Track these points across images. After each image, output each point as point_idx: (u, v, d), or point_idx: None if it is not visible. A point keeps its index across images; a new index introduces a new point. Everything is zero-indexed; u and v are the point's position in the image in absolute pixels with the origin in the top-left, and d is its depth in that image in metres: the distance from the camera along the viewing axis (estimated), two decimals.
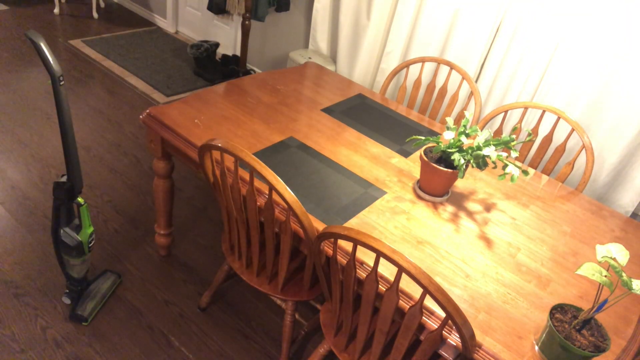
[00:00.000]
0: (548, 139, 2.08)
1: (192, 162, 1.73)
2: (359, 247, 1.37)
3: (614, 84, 2.21)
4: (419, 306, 1.12)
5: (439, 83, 2.79)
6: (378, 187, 1.66)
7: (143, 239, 2.31)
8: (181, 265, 2.22)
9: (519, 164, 1.87)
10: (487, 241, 1.53)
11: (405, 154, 1.88)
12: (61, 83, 1.49)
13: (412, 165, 1.83)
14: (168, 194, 2.00)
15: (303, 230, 1.31)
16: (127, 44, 4.13)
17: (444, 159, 1.62)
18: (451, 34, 2.63)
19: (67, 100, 1.52)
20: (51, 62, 1.45)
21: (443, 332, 1.21)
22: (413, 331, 1.19)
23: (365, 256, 1.35)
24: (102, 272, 2.06)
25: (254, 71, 3.97)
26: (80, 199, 1.72)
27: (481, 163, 1.55)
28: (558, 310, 1.20)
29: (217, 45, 3.80)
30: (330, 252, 1.35)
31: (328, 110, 2.06)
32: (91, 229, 1.77)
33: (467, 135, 1.58)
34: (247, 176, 1.55)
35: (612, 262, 1.10)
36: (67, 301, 1.91)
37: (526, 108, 2.10)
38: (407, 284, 1.29)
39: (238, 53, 4.03)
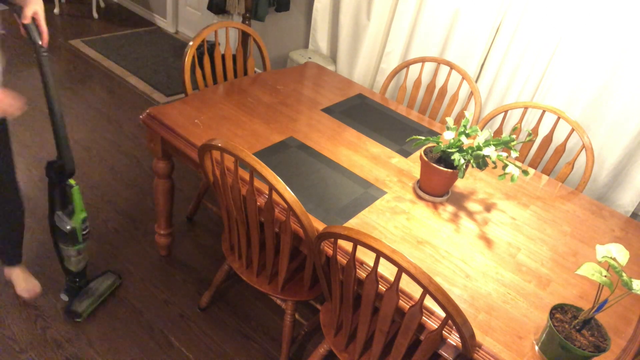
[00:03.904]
0: (548, 139, 2.08)
1: (192, 162, 1.73)
2: (359, 247, 1.37)
3: (614, 83, 2.21)
4: (419, 306, 1.12)
5: (439, 83, 2.79)
6: (378, 187, 1.66)
7: (143, 239, 2.31)
8: (181, 265, 2.22)
9: (519, 164, 1.87)
10: (487, 241, 1.53)
11: (405, 154, 1.88)
12: (44, 54, 1.45)
13: (412, 165, 1.83)
14: (168, 194, 2.00)
15: (303, 230, 1.31)
16: (127, 44, 4.13)
17: (444, 159, 1.62)
18: (451, 34, 2.63)
19: (52, 74, 1.50)
20: (33, 30, 1.43)
21: (443, 332, 1.21)
22: (413, 331, 1.19)
23: (365, 256, 1.35)
24: (103, 272, 2.06)
25: (254, 71, 3.97)
26: (72, 181, 1.68)
27: (481, 163, 1.55)
28: (558, 310, 1.20)
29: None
30: (330, 252, 1.35)
31: (328, 110, 2.06)
32: (84, 214, 1.74)
33: (467, 135, 1.58)
34: (247, 176, 1.55)
35: (612, 262, 1.10)
36: (65, 298, 1.91)
37: (526, 108, 2.10)
38: (407, 284, 1.29)
39: None
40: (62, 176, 1.66)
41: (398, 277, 1.11)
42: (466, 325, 1.08)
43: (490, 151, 1.50)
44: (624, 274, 1.07)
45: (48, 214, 1.72)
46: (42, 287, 1.99)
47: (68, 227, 1.70)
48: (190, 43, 2.02)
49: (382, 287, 1.29)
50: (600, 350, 1.12)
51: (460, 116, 2.43)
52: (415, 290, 1.28)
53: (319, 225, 1.44)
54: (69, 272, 1.85)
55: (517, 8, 2.37)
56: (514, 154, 1.54)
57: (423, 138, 1.59)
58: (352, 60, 3.09)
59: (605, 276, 1.09)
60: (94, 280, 2.00)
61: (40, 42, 1.45)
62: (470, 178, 1.83)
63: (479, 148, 1.53)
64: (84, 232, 1.78)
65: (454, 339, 1.22)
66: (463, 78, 2.26)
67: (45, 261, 2.10)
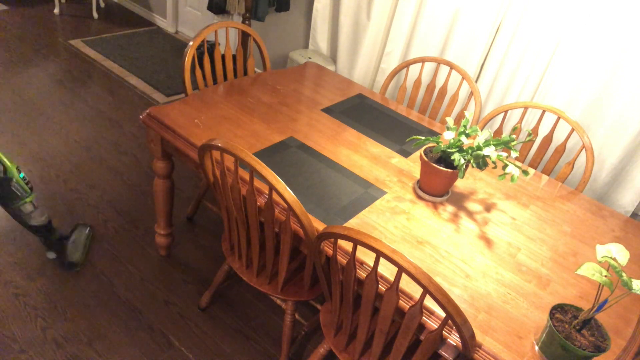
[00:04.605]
0: (548, 139, 2.08)
1: (192, 162, 1.73)
2: (359, 247, 1.37)
3: (614, 83, 2.21)
4: (419, 306, 1.12)
5: (439, 83, 2.79)
6: (378, 187, 1.66)
7: (143, 239, 2.31)
8: (181, 265, 2.22)
9: (519, 164, 1.87)
10: (487, 241, 1.53)
11: (405, 154, 1.88)
12: None
13: (412, 165, 1.83)
14: (168, 194, 2.00)
15: (303, 230, 1.31)
16: (127, 44, 4.13)
17: (444, 159, 1.62)
18: (451, 34, 2.63)
19: None
20: None
21: (443, 332, 1.21)
22: (413, 331, 1.19)
23: (365, 256, 1.35)
24: (74, 226, 2.16)
25: (254, 71, 3.97)
26: None
27: (481, 163, 1.55)
28: (558, 310, 1.20)
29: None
30: (330, 252, 1.35)
31: (328, 110, 2.06)
32: (15, 165, 1.79)
33: (467, 135, 1.58)
34: (247, 176, 1.55)
35: (612, 262, 1.10)
36: (52, 255, 2.03)
37: (526, 108, 2.10)
38: (407, 284, 1.29)
39: None
40: None
41: (398, 277, 1.11)
42: (466, 325, 1.08)
43: (490, 151, 1.50)
44: (624, 274, 1.07)
45: None
46: (42, 287, 1.99)
47: (10, 184, 1.76)
48: (190, 43, 2.02)
49: (382, 287, 1.29)
50: (600, 350, 1.12)
51: (460, 116, 2.43)
52: (415, 290, 1.28)
53: (319, 225, 1.44)
54: (37, 229, 1.92)
55: (517, 8, 2.37)
56: (514, 154, 1.54)
57: (423, 138, 1.59)
58: (352, 60, 3.09)
59: (605, 276, 1.09)
60: (70, 236, 2.09)
61: None
62: (470, 178, 1.83)
63: (479, 148, 1.53)
64: (27, 181, 1.83)
65: (454, 339, 1.22)
66: (463, 78, 2.26)
67: (45, 262, 2.10)
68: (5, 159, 1.76)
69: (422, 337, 1.27)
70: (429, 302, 1.25)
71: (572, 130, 2.01)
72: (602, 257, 1.11)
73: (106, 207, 2.45)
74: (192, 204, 2.43)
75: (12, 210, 1.82)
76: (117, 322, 1.92)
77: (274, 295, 1.63)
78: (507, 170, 1.50)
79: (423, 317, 1.25)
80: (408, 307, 1.26)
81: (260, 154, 1.70)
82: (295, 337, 2.00)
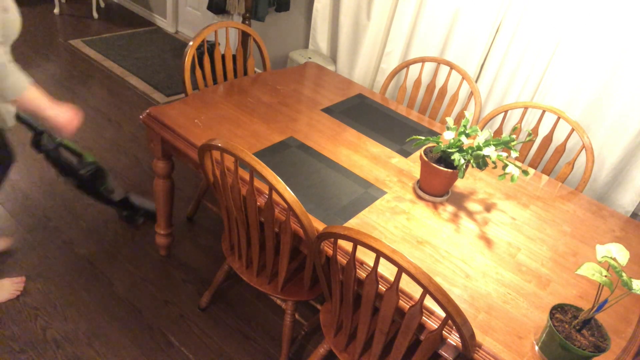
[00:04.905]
0: (548, 139, 2.08)
1: (192, 162, 1.73)
2: (359, 247, 1.37)
3: (614, 83, 2.21)
4: (419, 306, 1.12)
5: (439, 83, 2.79)
6: (378, 187, 1.66)
7: (143, 239, 2.31)
8: (181, 265, 2.22)
9: (519, 164, 1.87)
10: (487, 241, 1.53)
11: (405, 154, 1.88)
12: None
13: (412, 165, 1.83)
14: (168, 194, 2.00)
15: (303, 230, 1.31)
16: (127, 44, 4.13)
17: (444, 159, 1.62)
18: (451, 34, 2.63)
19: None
20: None
21: (443, 332, 1.21)
22: (413, 331, 1.19)
23: (365, 256, 1.35)
24: (124, 199, 2.22)
25: (254, 71, 3.97)
26: (66, 141, 1.88)
27: (481, 163, 1.55)
28: (558, 310, 1.20)
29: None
30: (330, 252, 1.35)
31: (328, 110, 2.06)
32: (86, 152, 1.97)
33: (467, 135, 1.58)
34: (247, 176, 1.55)
35: (612, 262, 1.10)
36: (141, 220, 2.31)
37: (526, 108, 2.10)
38: (407, 284, 1.29)
39: None
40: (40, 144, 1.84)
41: (398, 277, 1.11)
42: (466, 325, 1.08)
43: (490, 151, 1.50)
44: (624, 274, 1.07)
45: (70, 182, 1.95)
46: (42, 287, 1.99)
47: (93, 166, 1.94)
48: (190, 43, 2.02)
49: (382, 287, 1.29)
50: (600, 350, 1.12)
51: (460, 116, 2.43)
52: (415, 290, 1.28)
53: (319, 225, 1.44)
54: (122, 202, 2.13)
55: (517, 8, 2.37)
56: (514, 154, 1.54)
57: (423, 138, 1.59)
58: (352, 60, 3.09)
59: (605, 276, 1.09)
60: (133, 202, 2.26)
61: None
62: (470, 178, 1.83)
63: (479, 148, 1.54)
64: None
65: (454, 339, 1.22)
66: (463, 78, 2.26)
67: (45, 262, 2.10)
68: (77, 148, 1.90)
69: (422, 337, 1.27)
70: (429, 302, 1.25)
71: (572, 130, 2.01)
72: (602, 257, 1.11)
73: (106, 207, 2.45)
74: (192, 204, 2.43)
75: (100, 193, 1.98)
76: (117, 322, 1.92)
77: (274, 295, 1.64)
78: (507, 170, 1.50)
79: (423, 317, 1.25)
80: (408, 307, 1.26)
81: (260, 154, 1.70)
82: (295, 337, 2.00)
